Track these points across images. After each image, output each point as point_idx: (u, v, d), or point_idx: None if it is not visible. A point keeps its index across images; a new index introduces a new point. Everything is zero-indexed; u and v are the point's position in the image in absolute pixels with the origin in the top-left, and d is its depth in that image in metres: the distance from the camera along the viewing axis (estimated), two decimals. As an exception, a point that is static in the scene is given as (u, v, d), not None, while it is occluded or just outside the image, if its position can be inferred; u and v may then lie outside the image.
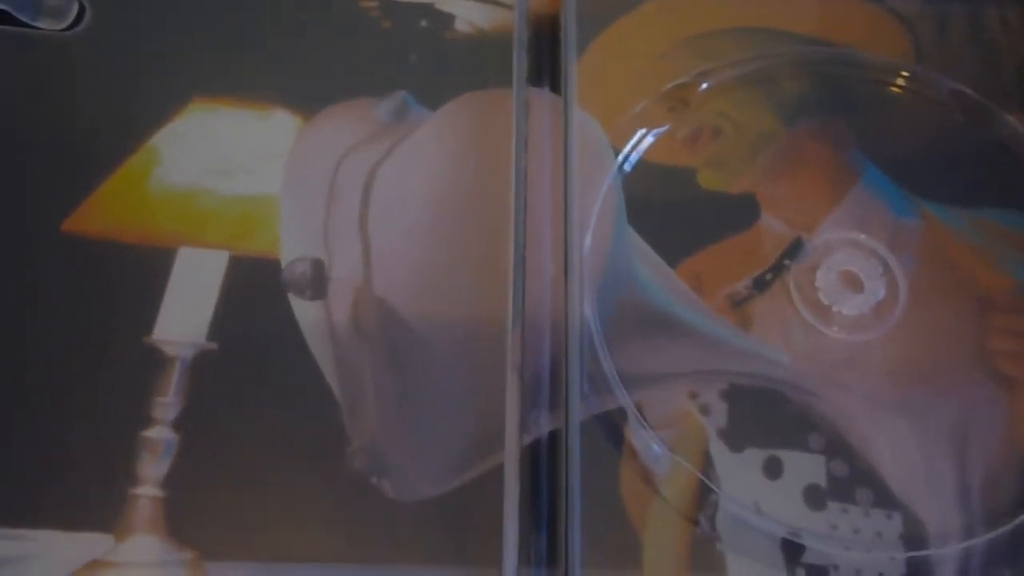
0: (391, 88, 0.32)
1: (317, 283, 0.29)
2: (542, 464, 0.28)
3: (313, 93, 0.32)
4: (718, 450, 0.28)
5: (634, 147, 0.31)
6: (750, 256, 0.30)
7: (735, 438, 0.28)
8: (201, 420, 0.28)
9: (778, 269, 0.30)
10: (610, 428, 0.28)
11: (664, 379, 0.29)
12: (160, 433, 0.27)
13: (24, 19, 0.33)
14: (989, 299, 0.30)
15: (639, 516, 0.27)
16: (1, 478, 0.27)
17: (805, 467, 0.28)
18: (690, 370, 0.29)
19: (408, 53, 0.33)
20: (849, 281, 0.30)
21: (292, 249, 0.30)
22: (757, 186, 0.31)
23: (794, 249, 0.30)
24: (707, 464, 0.28)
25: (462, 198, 0.31)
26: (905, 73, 0.33)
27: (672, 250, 0.30)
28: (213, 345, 0.28)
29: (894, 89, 0.33)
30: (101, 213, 0.30)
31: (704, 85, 0.32)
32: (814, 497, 0.27)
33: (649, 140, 0.32)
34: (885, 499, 0.27)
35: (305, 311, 0.29)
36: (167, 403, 0.28)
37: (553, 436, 0.28)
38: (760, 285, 0.30)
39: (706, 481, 0.27)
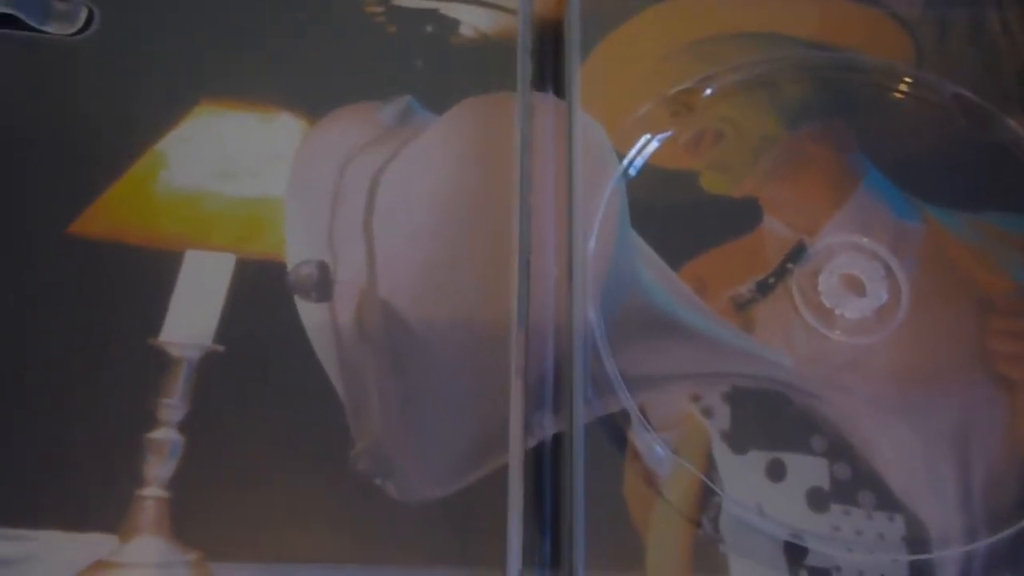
0: (396, 92, 0.32)
1: (322, 285, 0.29)
2: (546, 466, 0.28)
3: (318, 97, 0.32)
4: (721, 452, 0.28)
5: (638, 151, 0.32)
6: (753, 259, 0.30)
7: (738, 440, 0.28)
8: (207, 421, 0.28)
9: (781, 272, 0.30)
10: (613, 430, 0.28)
11: (667, 381, 0.29)
12: (166, 434, 0.27)
13: (33, 24, 0.33)
14: (990, 302, 0.30)
15: (642, 518, 0.27)
16: (6, 479, 0.27)
17: (808, 469, 0.28)
18: (693, 372, 0.29)
19: (413, 58, 0.33)
20: (851, 284, 0.30)
21: (297, 252, 0.30)
22: (760, 190, 0.31)
23: (796, 252, 0.30)
24: (710, 466, 0.28)
25: (466, 202, 0.31)
26: (907, 77, 0.33)
27: (675, 253, 0.30)
28: (219, 347, 0.29)
29: (896, 93, 0.33)
30: (108, 216, 0.30)
31: (707, 90, 0.32)
32: (817, 499, 0.27)
33: (653, 145, 0.32)
34: (887, 501, 0.27)
35: (310, 313, 0.29)
36: (173, 404, 0.28)
37: (557, 438, 0.28)
38: (763, 288, 0.30)
39: (709, 483, 0.27)
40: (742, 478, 0.27)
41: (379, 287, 0.29)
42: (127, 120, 0.32)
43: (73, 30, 0.33)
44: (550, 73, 0.33)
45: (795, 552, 0.27)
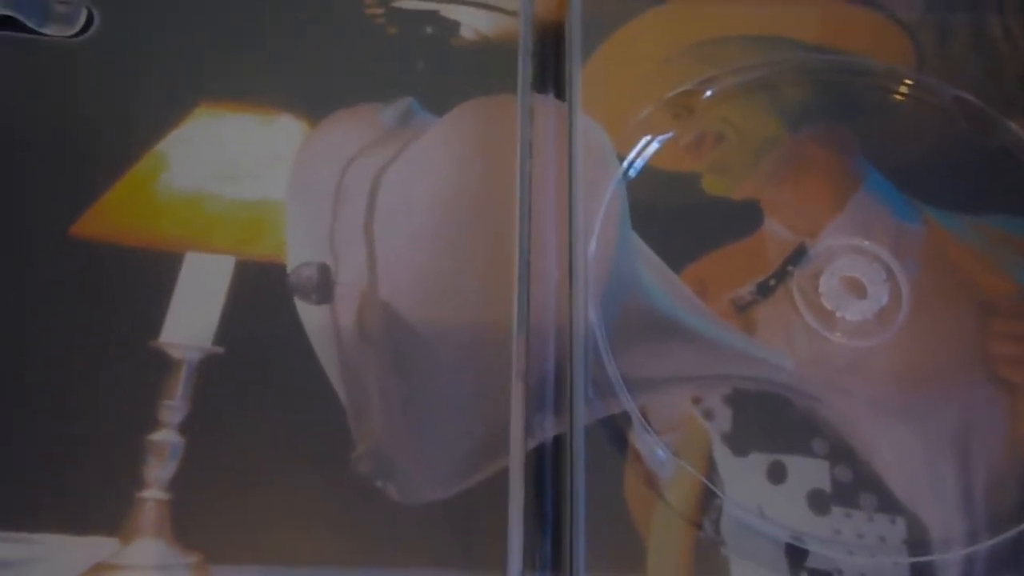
0: (397, 94, 0.32)
1: (323, 287, 0.29)
2: (547, 468, 0.28)
3: (319, 98, 0.32)
4: (722, 454, 0.28)
5: (639, 153, 0.32)
6: (754, 261, 0.30)
7: (739, 442, 0.28)
8: (207, 423, 0.28)
9: (782, 274, 0.30)
10: (614, 432, 0.28)
11: (668, 383, 0.29)
12: (166, 436, 0.27)
13: (32, 26, 0.33)
14: (991, 304, 0.30)
15: (643, 520, 0.27)
16: (6, 481, 0.27)
17: (809, 472, 0.28)
18: (694, 375, 0.29)
19: (414, 59, 0.33)
20: (852, 287, 0.30)
21: (298, 254, 0.30)
22: (761, 192, 0.31)
23: (797, 255, 0.30)
24: (711, 468, 0.28)
25: (467, 203, 0.31)
26: (908, 80, 0.33)
27: (676, 255, 0.30)
28: (219, 349, 0.28)
29: (897, 96, 0.33)
30: (108, 218, 0.30)
31: (708, 92, 0.32)
32: (818, 502, 0.27)
33: (654, 147, 0.32)
34: (889, 504, 0.27)
35: (311, 315, 0.29)
36: (173, 406, 0.28)
37: (558, 440, 0.28)
38: (764, 290, 0.30)
39: (710, 485, 0.27)
40: (743, 480, 0.27)
41: (380, 289, 0.29)
42: (127, 122, 0.32)
43: (73, 32, 0.33)
44: (551, 75, 0.33)
45: (796, 554, 0.27)
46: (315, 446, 0.27)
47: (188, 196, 0.31)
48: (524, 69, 0.32)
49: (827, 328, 0.29)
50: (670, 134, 0.32)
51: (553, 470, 0.28)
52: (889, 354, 0.29)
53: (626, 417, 0.28)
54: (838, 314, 0.30)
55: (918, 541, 0.27)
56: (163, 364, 0.28)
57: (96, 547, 0.26)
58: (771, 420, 0.28)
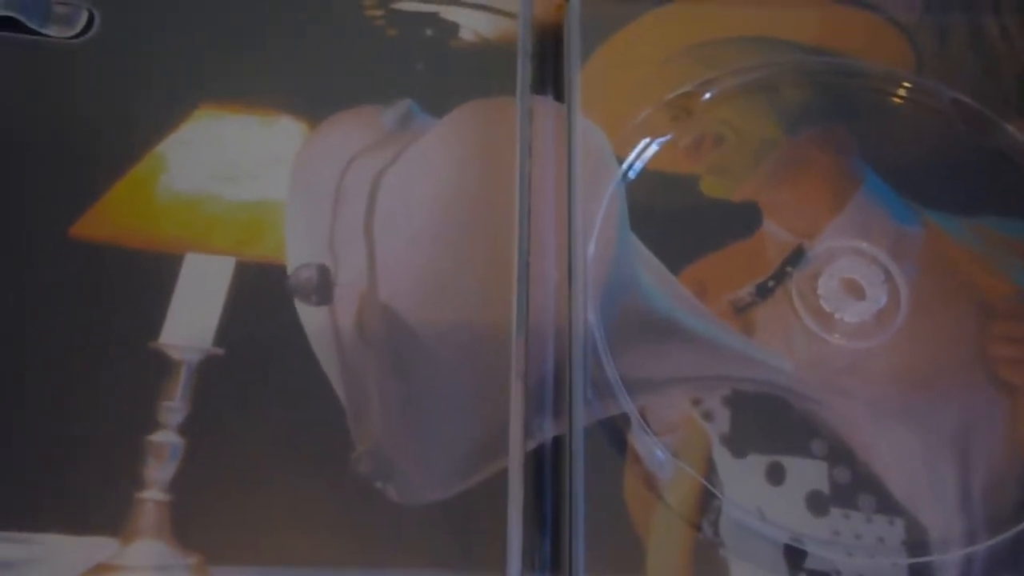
0: (396, 96, 0.32)
1: (323, 289, 0.29)
2: (546, 469, 0.28)
3: (319, 100, 0.32)
4: (721, 456, 0.28)
5: (638, 155, 0.32)
6: (752, 263, 0.30)
7: (738, 444, 0.28)
8: (207, 424, 0.28)
9: (780, 276, 0.30)
10: (613, 433, 0.28)
11: (667, 385, 0.29)
12: (166, 437, 0.27)
13: (33, 27, 0.33)
14: (990, 306, 0.30)
15: (642, 521, 0.27)
16: (7, 481, 0.27)
17: (808, 473, 0.28)
18: (693, 376, 0.29)
19: (413, 61, 0.33)
20: (851, 288, 0.30)
21: (298, 255, 0.30)
22: (759, 193, 0.31)
23: (796, 256, 0.30)
24: (710, 470, 0.28)
25: (466, 205, 0.31)
26: (906, 82, 0.33)
27: (675, 257, 0.30)
28: (219, 350, 0.29)
29: (895, 98, 0.33)
30: (108, 219, 0.30)
31: (707, 94, 0.33)
32: (817, 503, 0.27)
33: (653, 149, 0.32)
34: (887, 505, 0.27)
35: (311, 316, 0.29)
36: (173, 407, 0.28)
37: (557, 441, 0.28)
38: (762, 292, 0.30)
39: (709, 487, 0.27)
40: (742, 482, 0.27)
41: (380, 290, 0.30)
42: (127, 123, 0.32)
43: (73, 33, 0.33)
44: (550, 77, 0.33)
45: (795, 556, 0.27)
46: (315, 447, 0.27)
47: (188, 197, 0.31)
48: (523, 71, 0.32)
49: (826, 330, 0.29)
50: (669, 136, 0.32)
51: (552, 471, 0.28)
52: (888, 356, 0.29)
53: (625, 418, 0.28)
54: (837, 316, 0.30)
55: (917, 542, 0.27)
56: (163, 365, 0.28)
57: (96, 547, 0.26)
58: (770, 421, 0.28)
